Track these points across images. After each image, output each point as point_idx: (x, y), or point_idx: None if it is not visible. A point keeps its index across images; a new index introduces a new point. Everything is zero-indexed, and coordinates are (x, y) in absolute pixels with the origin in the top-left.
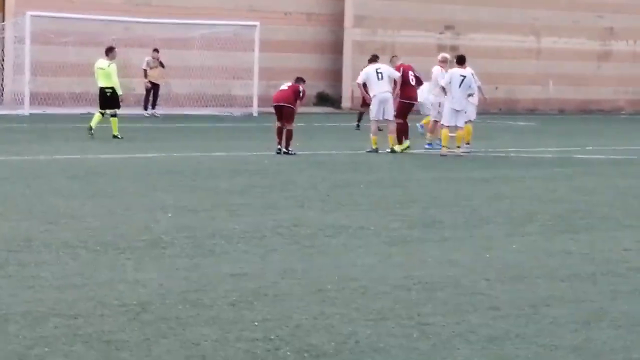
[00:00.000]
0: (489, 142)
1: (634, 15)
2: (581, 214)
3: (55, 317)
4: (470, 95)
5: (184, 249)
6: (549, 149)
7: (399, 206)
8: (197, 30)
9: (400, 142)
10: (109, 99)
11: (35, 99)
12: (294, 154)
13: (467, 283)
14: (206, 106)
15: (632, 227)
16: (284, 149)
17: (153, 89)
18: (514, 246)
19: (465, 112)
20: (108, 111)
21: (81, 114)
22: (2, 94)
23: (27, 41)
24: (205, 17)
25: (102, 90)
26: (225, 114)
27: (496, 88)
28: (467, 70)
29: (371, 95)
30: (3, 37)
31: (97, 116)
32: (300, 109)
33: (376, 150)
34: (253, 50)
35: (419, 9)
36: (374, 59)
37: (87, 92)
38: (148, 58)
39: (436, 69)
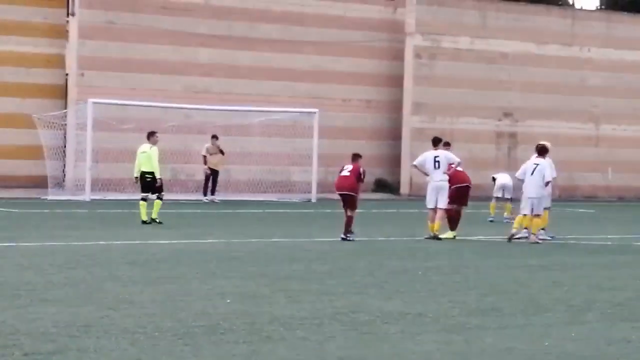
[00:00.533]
0: (548, 228)
1: None
2: None
3: None
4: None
5: (242, 335)
6: (608, 236)
7: (457, 293)
8: (257, 117)
9: (451, 229)
10: (149, 184)
11: (96, 184)
12: (352, 240)
13: None
14: (265, 192)
15: None
16: (342, 235)
17: (212, 175)
18: (573, 334)
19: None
20: (151, 196)
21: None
22: (64, 179)
23: (89, 127)
24: (265, 104)
25: (143, 175)
26: (284, 199)
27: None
28: (545, 160)
29: (427, 180)
30: (65, 124)
31: (141, 204)
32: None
33: (435, 237)
34: (312, 136)
35: (477, 96)
36: (436, 142)
37: None
38: (208, 145)
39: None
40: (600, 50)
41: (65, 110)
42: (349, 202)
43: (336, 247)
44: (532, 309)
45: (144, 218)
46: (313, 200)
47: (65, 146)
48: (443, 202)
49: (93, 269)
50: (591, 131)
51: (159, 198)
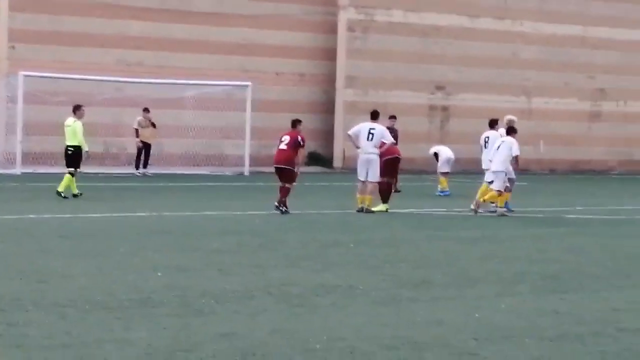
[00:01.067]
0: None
1: (624, 76)
2: (571, 273)
3: None
4: None
5: (173, 308)
6: (540, 208)
7: (389, 265)
8: (189, 91)
9: (383, 201)
10: (72, 158)
11: (28, 158)
12: (285, 212)
13: (456, 343)
14: (198, 165)
15: (622, 287)
16: (275, 203)
17: (145, 149)
18: (503, 306)
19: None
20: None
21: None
22: None
23: (20, 101)
24: (198, 77)
25: (66, 148)
26: (216, 173)
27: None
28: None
29: (358, 152)
30: None
31: (65, 177)
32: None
33: (362, 209)
34: (245, 110)
35: (410, 70)
36: (374, 115)
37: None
38: (139, 118)
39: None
40: (533, 23)
41: None
42: (286, 175)
43: (268, 220)
44: (463, 281)
45: (75, 191)
46: (246, 174)
47: None
48: (374, 176)
49: (24, 242)
50: (523, 104)
51: (70, 173)
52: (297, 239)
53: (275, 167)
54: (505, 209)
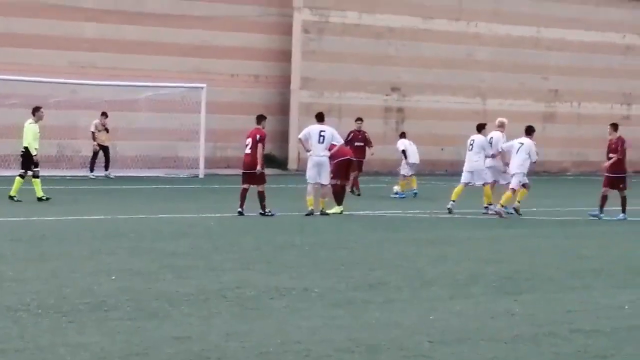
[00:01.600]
0: (434, 203)
1: (578, 78)
2: (525, 275)
3: None
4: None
5: (127, 312)
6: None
7: (344, 268)
8: (144, 92)
9: (338, 204)
10: (22, 160)
11: None
12: (272, 214)
13: (411, 345)
14: (152, 168)
15: (576, 289)
16: (260, 211)
17: (103, 151)
18: (458, 308)
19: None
20: (29, 172)
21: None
22: None
23: None
24: (152, 79)
25: (22, 150)
26: (171, 175)
27: (442, 149)
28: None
29: (308, 155)
30: None
31: (17, 180)
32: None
33: (312, 213)
34: (200, 112)
35: (365, 71)
36: (320, 117)
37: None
38: (96, 121)
39: (497, 134)
40: (488, 25)
41: None
42: (254, 178)
43: (223, 223)
44: (418, 283)
45: (13, 193)
46: (200, 176)
47: None
48: (325, 178)
49: None
50: (478, 106)
51: (34, 176)
52: (251, 242)
53: (244, 172)
54: (504, 210)
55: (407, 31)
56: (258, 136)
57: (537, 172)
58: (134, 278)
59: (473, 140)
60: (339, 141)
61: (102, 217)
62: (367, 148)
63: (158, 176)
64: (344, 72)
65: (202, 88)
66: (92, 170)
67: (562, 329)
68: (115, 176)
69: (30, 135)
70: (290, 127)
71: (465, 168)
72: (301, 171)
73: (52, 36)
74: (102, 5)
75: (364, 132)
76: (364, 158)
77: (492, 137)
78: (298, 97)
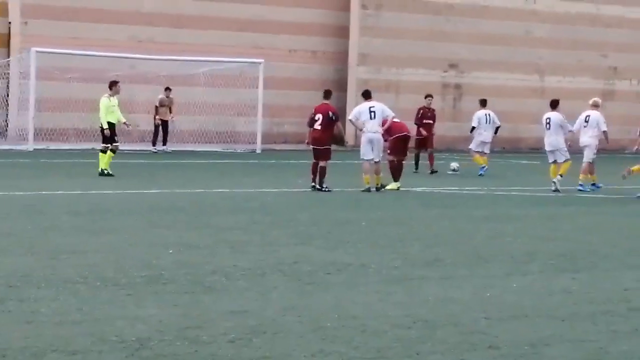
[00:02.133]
0: (491, 180)
1: (637, 55)
2: (583, 253)
3: (53, 353)
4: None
5: (184, 285)
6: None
7: (400, 244)
8: (201, 67)
9: (395, 180)
10: (110, 133)
11: (40, 134)
12: (329, 190)
13: (467, 322)
14: (210, 142)
15: (634, 267)
16: (317, 185)
17: (163, 126)
18: (514, 285)
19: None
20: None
21: (85, 149)
22: (6, 129)
23: (32, 77)
24: (210, 54)
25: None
26: (228, 150)
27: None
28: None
29: (362, 132)
30: (8, 73)
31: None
32: (303, 147)
33: (369, 189)
34: (257, 87)
35: (423, 47)
36: (367, 95)
37: (91, 129)
38: (161, 96)
39: (596, 114)
40: (546, 1)
41: (8, 59)
42: (322, 154)
43: (280, 198)
44: (475, 260)
45: (101, 167)
46: (258, 151)
47: (8, 95)
48: (379, 154)
49: (35, 219)
50: (536, 83)
51: (102, 151)
52: (308, 217)
53: (314, 147)
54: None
55: (465, 7)
56: (331, 114)
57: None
58: (191, 252)
59: (549, 118)
60: (390, 115)
61: (159, 191)
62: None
63: (215, 151)
64: (402, 48)
65: (259, 63)
66: (154, 144)
67: (620, 307)
68: (172, 150)
69: (102, 110)
70: (348, 104)
71: (547, 148)
72: (358, 147)
73: (110, 10)
74: None
75: (433, 110)
76: (432, 134)
77: (588, 116)
78: (355, 73)
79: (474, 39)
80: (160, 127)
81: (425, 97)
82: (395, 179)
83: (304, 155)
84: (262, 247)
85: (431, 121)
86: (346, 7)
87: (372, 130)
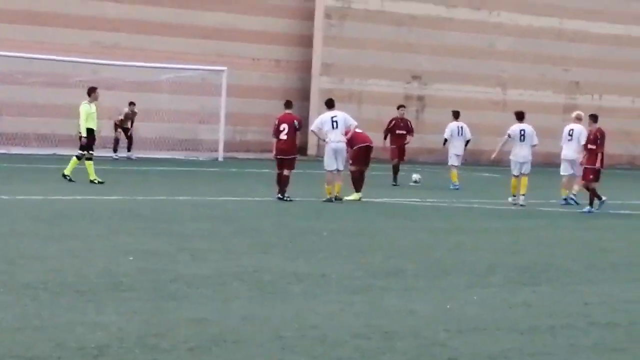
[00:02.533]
0: (453, 192)
1: (599, 70)
2: (543, 266)
3: (12, 359)
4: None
5: (145, 292)
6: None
7: (362, 255)
8: (165, 74)
9: (356, 190)
10: (88, 140)
11: (1, 138)
12: (290, 199)
13: (427, 333)
14: (172, 150)
15: (594, 281)
16: (279, 195)
17: (125, 133)
18: (475, 297)
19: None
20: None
21: (47, 155)
22: None
23: None
24: (174, 61)
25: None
26: (191, 158)
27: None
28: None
29: (325, 143)
30: None
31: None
32: (265, 155)
33: (331, 200)
34: (220, 95)
35: (386, 59)
36: (330, 104)
37: (53, 134)
38: (127, 110)
39: (579, 127)
40: (510, 14)
41: None
42: (288, 163)
43: (242, 206)
44: (436, 272)
45: (66, 172)
46: (220, 159)
47: None
48: (342, 164)
49: None
50: (498, 96)
51: (76, 156)
52: (270, 226)
53: (279, 158)
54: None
55: (429, 19)
56: (296, 123)
57: (555, 165)
58: (152, 259)
59: (572, 130)
60: (353, 124)
61: (121, 197)
62: (408, 136)
63: (178, 158)
64: (365, 58)
65: (223, 71)
66: (115, 151)
67: (580, 321)
68: (137, 157)
69: (83, 116)
70: (310, 113)
71: (565, 157)
72: (320, 157)
73: (75, 15)
74: None
75: (407, 120)
76: (405, 144)
77: (572, 130)
78: (318, 82)
79: (437, 50)
80: (123, 135)
81: (398, 108)
82: (357, 190)
83: (266, 164)
84: (223, 255)
85: (404, 132)
86: (310, 17)
87: (335, 140)
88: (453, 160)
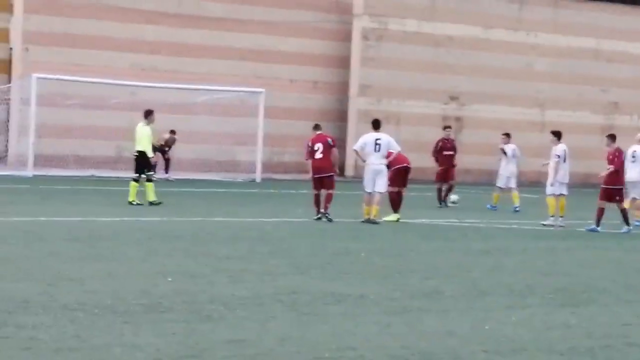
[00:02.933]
0: (491, 213)
1: (638, 90)
2: (581, 287)
3: None
4: None
5: (182, 313)
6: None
7: (400, 275)
8: (203, 96)
9: (395, 211)
10: (137, 163)
11: (39, 160)
12: (331, 220)
13: (465, 355)
14: (210, 171)
15: (632, 302)
16: (323, 211)
17: (162, 155)
18: (514, 318)
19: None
20: (142, 175)
21: (85, 176)
22: (6, 154)
23: (33, 103)
24: (211, 82)
25: (135, 153)
26: (228, 179)
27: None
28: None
29: (365, 164)
30: (9, 99)
31: (131, 184)
32: (302, 177)
33: (368, 221)
34: (257, 116)
35: (424, 79)
36: (376, 125)
37: (91, 155)
38: (167, 137)
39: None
40: (547, 35)
41: (9, 85)
42: (327, 182)
43: (279, 227)
44: (474, 293)
45: (131, 199)
46: (257, 180)
47: (8, 121)
48: (381, 186)
49: (33, 245)
50: (536, 117)
51: (148, 180)
52: (308, 247)
53: (316, 177)
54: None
55: (466, 40)
56: (330, 140)
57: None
58: (190, 280)
59: (635, 151)
60: (396, 149)
61: (159, 219)
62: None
63: (215, 180)
64: (403, 79)
65: (260, 92)
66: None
67: (618, 342)
68: (174, 179)
69: (146, 139)
70: (348, 134)
71: (629, 179)
72: (358, 178)
73: (113, 38)
74: (162, 8)
75: (453, 140)
76: (454, 166)
77: (635, 151)
78: (356, 104)
79: (475, 71)
80: (161, 157)
81: (444, 129)
82: (395, 210)
83: (303, 185)
84: (260, 276)
85: (451, 152)
86: (347, 38)
87: (376, 163)
88: (504, 182)
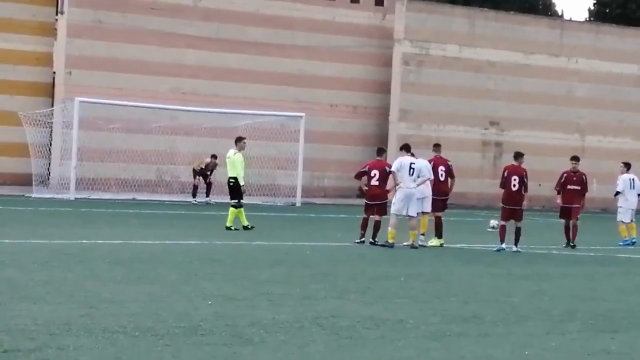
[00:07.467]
0: (530, 238)
1: None
2: (622, 313)
3: None
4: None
5: (222, 337)
6: (591, 247)
7: (439, 300)
8: (243, 120)
9: (438, 236)
10: (232, 189)
11: (81, 183)
12: (380, 244)
13: None
14: (250, 195)
15: None
16: (370, 240)
17: (203, 178)
18: (553, 344)
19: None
20: (231, 201)
21: (126, 199)
22: (49, 177)
23: (75, 126)
24: (251, 107)
25: (228, 180)
26: (268, 203)
27: (539, 185)
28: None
29: (398, 187)
30: (52, 122)
31: (230, 210)
32: (342, 201)
33: (392, 245)
34: (298, 140)
35: (464, 105)
36: (407, 148)
37: (132, 178)
38: (208, 161)
39: None
40: (588, 61)
41: (52, 108)
42: (380, 209)
43: (318, 251)
44: (513, 318)
45: (228, 224)
46: (297, 205)
47: (51, 144)
48: (413, 210)
49: (74, 268)
50: (577, 142)
51: (233, 206)
52: (347, 271)
53: (370, 203)
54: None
55: (506, 66)
56: (387, 169)
57: (635, 212)
58: (230, 304)
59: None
60: (425, 176)
61: (199, 242)
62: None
63: (255, 203)
64: (443, 104)
65: (301, 117)
66: (194, 196)
67: None
68: (215, 202)
69: (239, 165)
70: (389, 159)
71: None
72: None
73: (154, 62)
74: (203, 32)
75: (582, 174)
76: (579, 204)
77: None
78: (396, 128)
79: (515, 97)
80: (202, 181)
81: (571, 159)
82: (439, 236)
83: (343, 210)
84: (300, 300)
85: (577, 187)
86: (388, 63)
87: (410, 186)
88: (628, 216)
